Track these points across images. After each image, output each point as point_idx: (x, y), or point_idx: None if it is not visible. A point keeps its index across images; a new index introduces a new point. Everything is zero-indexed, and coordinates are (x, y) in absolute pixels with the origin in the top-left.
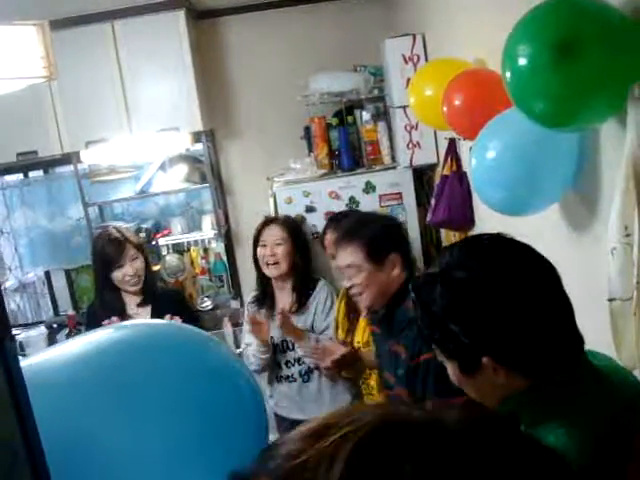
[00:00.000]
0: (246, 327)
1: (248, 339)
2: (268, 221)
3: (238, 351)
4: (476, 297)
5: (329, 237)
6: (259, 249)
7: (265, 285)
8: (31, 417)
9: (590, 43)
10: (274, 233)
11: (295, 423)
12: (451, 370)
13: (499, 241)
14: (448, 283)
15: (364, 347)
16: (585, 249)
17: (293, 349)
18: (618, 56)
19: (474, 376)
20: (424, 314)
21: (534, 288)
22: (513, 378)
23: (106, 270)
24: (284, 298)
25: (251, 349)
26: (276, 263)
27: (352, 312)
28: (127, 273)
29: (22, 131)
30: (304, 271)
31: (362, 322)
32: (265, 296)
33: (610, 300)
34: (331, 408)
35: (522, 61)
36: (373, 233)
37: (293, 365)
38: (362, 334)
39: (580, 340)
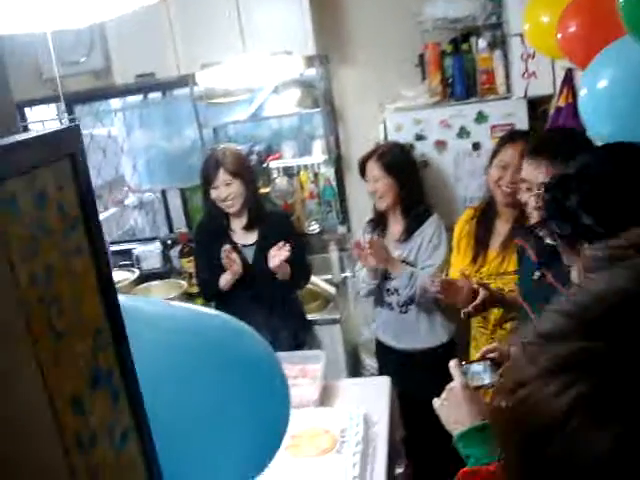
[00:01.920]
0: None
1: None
2: (367, 157)
3: (343, 275)
4: (611, 188)
5: (512, 151)
6: (366, 184)
7: (381, 212)
8: (117, 302)
9: None
10: (372, 169)
11: (391, 350)
12: (579, 271)
13: (632, 145)
14: (584, 178)
15: (490, 279)
16: None
17: (393, 278)
18: None
19: None
20: (556, 211)
21: None
22: None
23: (207, 188)
24: (396, 226)
25: (363, 273)
26: (380, 197)
27: (482, 237)
28: (219, 195)
29: (141, 53)
30: (411, 201)
31: (492, 253)
32: (379, 222)
33: None
34: (426, 342)
35: None
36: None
37: (392, 294)
38: (490, 264)
39: None
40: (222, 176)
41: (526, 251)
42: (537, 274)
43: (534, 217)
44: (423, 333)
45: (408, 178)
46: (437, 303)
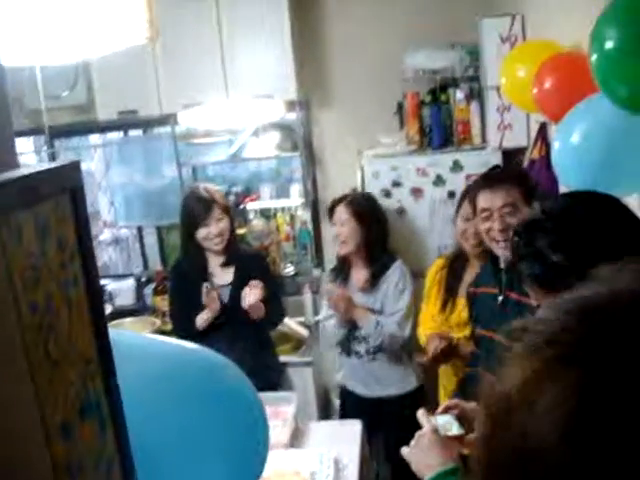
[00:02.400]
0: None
1: (328, 311)
2: (338, 201)
3: (316, 318)
4: (579, 228)
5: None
6: (333, 228)
7: (343, 260)
8: (107, 334)
9: None
10: (340, 213)
11: (360, 398)
12: None
13: (595, 193)
14: (552, 220)
15: (459, 327)
16: None
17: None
18: None
19: None
20: (526, 253)
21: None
22: None
23: (192, 227)
24: (358, 275)
25: (333, 322)
26: (343, 242)
27: (451, 286)
28: (211, 232)
29: (124, 90)
30: (375, 250)
31: (460, 302)
32: (342, 270)
33: None
34: (396, 390)
35: (609, 44)
36: (526, 179)
37: (361, 342)
38: (460, 314)
39: None
40: (216, 213)
41: (476, 295)
42: (500, 299)
43: (496, 242)
44: (392, 380)
45: (374, 227)
46: (405, 349)
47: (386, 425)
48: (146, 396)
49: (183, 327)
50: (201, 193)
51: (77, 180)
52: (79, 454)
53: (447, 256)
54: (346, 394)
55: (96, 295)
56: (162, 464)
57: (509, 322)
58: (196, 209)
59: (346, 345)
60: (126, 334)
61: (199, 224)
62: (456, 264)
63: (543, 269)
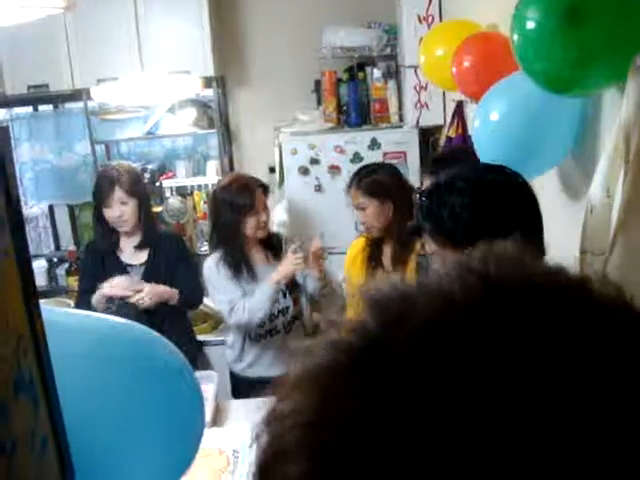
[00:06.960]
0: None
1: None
2: (258, 186)
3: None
4: (490, 194)
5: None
6: (252, 219)
7: (241, 245)
8: (39, 309)
9: (596, 10)
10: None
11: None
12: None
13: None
14: (465, 182)
15: None
16: (579, 217)
17: (277, 301)
18: (623, 25)
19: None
20: (437, 212)
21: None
22: None
23: (99, 207)
24: (258, 254)
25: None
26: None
27: (375, 258)
28: (113, 215)
29: (35, 64)
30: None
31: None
32: (238, 256)
33: (582, 253)
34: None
35: (530, 25)
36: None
37: (277, 317)
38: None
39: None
40: (117, 195)
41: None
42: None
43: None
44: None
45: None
46: None
47: None
48: (79, 372)
49: (87, 305)
50: (108, 173)
51: (4, 147)
52: (13, 432)
53: (368, 237)
54: (256, 385)
55: (27, 267)
56: (97, 441)
57: None
58: (100, 189)
59: (253, 330)
60: (56, 310)
61: (103, 205)
62: (375, 240)
63: (453, 226)
